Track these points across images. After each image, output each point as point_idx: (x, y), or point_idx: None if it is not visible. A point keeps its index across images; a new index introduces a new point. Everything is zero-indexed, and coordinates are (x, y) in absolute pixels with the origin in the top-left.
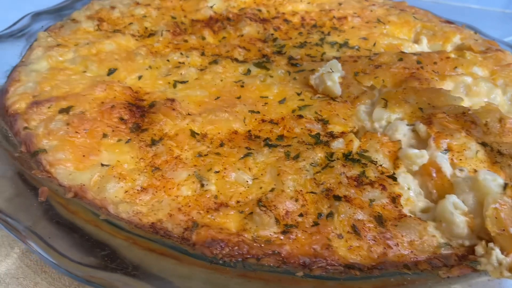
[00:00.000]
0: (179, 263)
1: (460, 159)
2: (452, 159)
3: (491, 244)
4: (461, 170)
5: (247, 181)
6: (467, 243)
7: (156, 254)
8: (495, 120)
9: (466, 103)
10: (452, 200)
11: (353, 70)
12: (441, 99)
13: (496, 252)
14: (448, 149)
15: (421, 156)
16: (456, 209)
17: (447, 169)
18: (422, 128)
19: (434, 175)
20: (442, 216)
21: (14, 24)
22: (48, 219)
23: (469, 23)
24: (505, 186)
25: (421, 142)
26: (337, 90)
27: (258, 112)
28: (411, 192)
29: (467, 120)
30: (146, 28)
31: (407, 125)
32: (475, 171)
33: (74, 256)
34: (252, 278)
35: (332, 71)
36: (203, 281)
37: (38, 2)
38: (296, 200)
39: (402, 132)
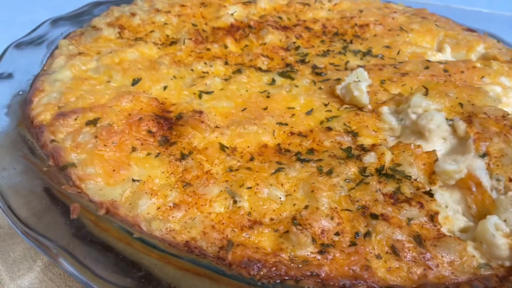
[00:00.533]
0: (216, 284)
1: (497, 165)
2: (488, 164)
3: None
4: (498, 180)
5: (280, 198)
6: (507, 264)
7: (192, 274)
8: None
9: None
10: (493, 221)
11: (379, 78)
12: (481, 98)
13: None
14: (487, 154)
15: (459, 171)
16: (498, 230)
17: (487, 183)
18: (461, 125)
19: (473, 189)
20: (482, 237)
21: (33, 31)
22: (81, 237)
23: (481, 28)
24: None
25: (458, 140)
26: (365, 99)
27: (286, 124)
28: (449, 211)
29: (507, 125)
30: (168, 36)
31: (446, 119)
32: (510, 180)
33: (110, 277)
34: None
35: (359, 80)
36: None
37: (50, 4)
38: (332, 218)
39: (437, 123)
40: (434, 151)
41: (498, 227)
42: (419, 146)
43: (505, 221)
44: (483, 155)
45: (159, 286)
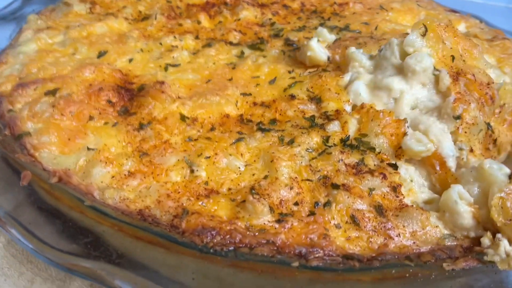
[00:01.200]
0: (168, 252)
1: (465, 132)
2: (457, 129)
3: (498, 235)
4: (461, 149)
5: (239, 168)
6: (472, 234)
7: (143, 242)
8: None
9: None
10: (457, 189)
11: (353, 45)
12: (474, 57)
13: (504, 243)
14: (460, 117)
15: (427, 151)
16: (461, 199)
17: (452, 163)
18: (446, 80)
19: (437, 168)
20: (446, 206)
21: (5, 7)
22: (30, 204)
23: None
24: (510, 176)
25: (436, 93)
26: (321, 56)
27: (250, 95)
28: (414, 184)
29: (488, 94)
30: (140, 11)
31: (434, 68)
32: (471, 150)
33: (55, 243)
34: (245, 268)
35: (316, 38)
36: (192, 271)
37: None
38: (291, 188)
39: (424, 66)
40: (404, 120)
41: (462, 196)
42: (389, 113)
43: (468, 192)
44: (457, 117)
45: (106, 252)
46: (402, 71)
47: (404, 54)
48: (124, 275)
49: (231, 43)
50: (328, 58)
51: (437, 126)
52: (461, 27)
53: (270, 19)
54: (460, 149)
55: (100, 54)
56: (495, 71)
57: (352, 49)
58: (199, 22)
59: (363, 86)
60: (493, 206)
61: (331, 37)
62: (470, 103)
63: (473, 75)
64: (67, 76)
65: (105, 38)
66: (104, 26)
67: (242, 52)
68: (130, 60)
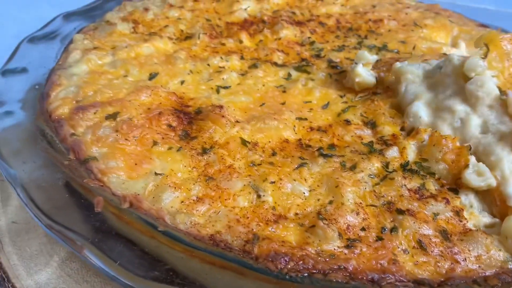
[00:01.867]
0: (243, 277)
1: None
2: None
3: None
4: None
5: (304, 193)
6: None
7: (217, 268)
8: None
9: None
10: None
11: None
12: None
13: None
14: None
15: (488, 186)
16: None
17: None
18: None
19: (498, 203)
20: (508, 232)
21: (46, 25)
22: (105, 230)
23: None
24: None
25: (507, 118)
26: (370, 80)
27: (306, 119)
28: (474, 209)
29: None
30: (182, 30)
31: (499, 90)
32: None
33: (138, 270)
34: None
35: (360, 63)
36: None
37: (55, 1)
38: (357, 214)
39: (487, 91)
40: (467, 147)
41: None
42: (453, 139)
43: None
44: None
45: (187, 279)
46: (463, 91)
47: (464, 75)
48: None
49: (276, 64)
50: (376, 79)
51: (509, 160)
52: None
53: (309, 37)
54: None
55: (152, 76)
56: None
57: (398, 64)
58: (241, 42)
59: (423, 107)
60: None
61: (372, 57)
62: None
63: None
64: (124, 100)
65: (153, 59)
66: (151, 46)
67: (289, 74)
68: (182, 82)
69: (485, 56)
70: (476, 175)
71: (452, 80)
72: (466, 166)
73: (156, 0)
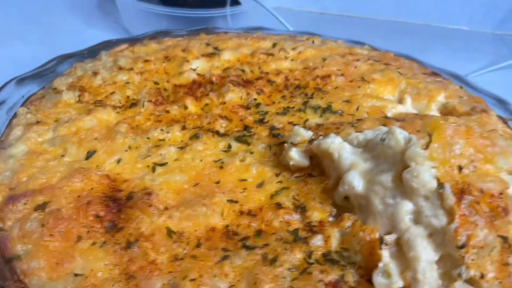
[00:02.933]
0: None
1: (472, 260)
2: (463, 257)
3: None
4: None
5: None
6: None
7: None
8: None
9: None
10: None
11: None
12: (488, 158)
13: None
14: (464, 245)
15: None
16: None
17: None
18: (450, 199)
19: None
20: None
21: None
22: None
23: (462, 46)
24: None
25: (439, 208)
26: (303, 162)
27: (237, 202)
28: None
29: (500, 206)
30: (128, 96)
31: (438, 184)
32: (482, 276)
33: None
34: None
35: (297, 142)
36: None
37: (28, 37)
38: None
39: (423, 182)
40: (378, 240)
41: None
42: (372, 230)
43: None
44: (461, 247)
45: None
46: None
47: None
48: None
49: (217, 133)
50: (311, 159)
51: (427, 261)
52: (441, 97)
53: (255, 99)
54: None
55: (89, 155)
56: None
57: (322, 143)
58: (185, 107)
59: (358, 177)
60: None
61: (307, 134)
62: (476, 225)
63: (481, 190)
64: (56, 187)
65: (94, 133)
66: (93, 119)
67: (230, 146)
68: (119, 161)
69: (426, 146)
70: (385, 276)
71: (391, 157)
72: (375, 266)
73: (107, 61)
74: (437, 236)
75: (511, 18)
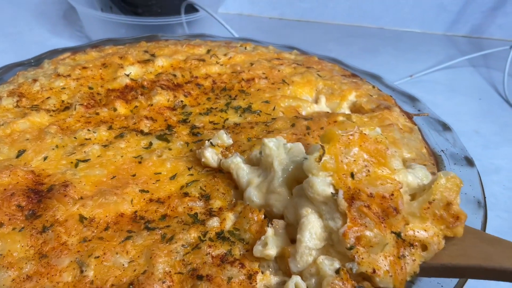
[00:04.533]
0: None
1: (362, 258)
2: (354, 256)
3: None
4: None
5: (123, 264)
6: None
7: None
8: (440, 205)
9: None
10: (295, 280)
11: (247, 136)
12: (381, 162)
13: None
14: (354, 245)
15: (268, 256)
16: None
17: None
18: (343, 205)
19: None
20: None
21: None
22: None
23: (413, 48)
24: (338, 270)
25: (336, 212)
26: (212, 163)
27: (148, 192)
28: (269, 271)
29: (391, 206)
30: (63, 101)
31: (333, 191)
32: (374, 271)
33: None
34: None
35: (217, 143)
36: None
37: None
38: (164, 282)
39: (317, 191)
40: (265, 221)
41: (298, 286)
42: (259, 213)
43: (307, 285)
44: (350, 248)
45: None
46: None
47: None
48: None
49: (142, 132)
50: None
51: (309, 243)
52: (352, 97)
53: (181, 101)
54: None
55: (19, 154)
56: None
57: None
58: (115, 109)
59: (254, 192)
60: None
61: (228, 141)
62: (366, 227)
63: (371, 194)
64: None
65: (26, 134)
66: (27, 122)
67: (150, 143)
68: (45, 158)
69: (319, 158)
70: (262, 245)
71: (271, 165)
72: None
73: (48, 69)
74: (334, 235)
75: (460, 20)
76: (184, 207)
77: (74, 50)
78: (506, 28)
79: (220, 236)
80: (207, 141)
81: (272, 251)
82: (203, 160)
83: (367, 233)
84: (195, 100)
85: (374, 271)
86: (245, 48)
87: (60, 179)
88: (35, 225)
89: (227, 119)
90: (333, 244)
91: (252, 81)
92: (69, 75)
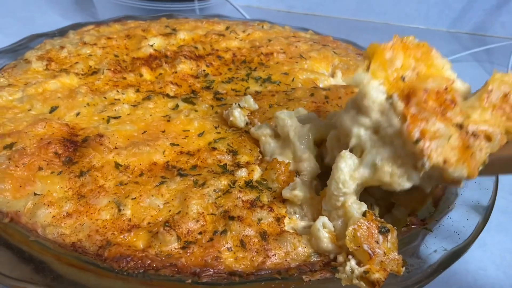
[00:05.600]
0: (94, 275)
1: (430, 150)
2: (422, 150)
3: (350, 256)
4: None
5: (159, 206)
6: (332, 255)
7: (76, 269)
8: (498, 96)
9: None
10: (322, 220)
11: (269, 103)
12: (429, 63)
13: (351, 262)
14: (419, 140)
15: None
16: (324, 228)
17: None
18: (399, 106)
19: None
20: (312, 232)
21: None
22: None
23: None
24: (364, 213)
25: (394, 117)
26: (239, 123)
27: (178, 145)
28: (297, 215)
29: (447, 99)
30: (90, 66)
31: (386, 97)
32: (445, 162)
33: (6, 271)
34: (150, 285)
35: (244, 106)
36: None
37: (6, 30)
38: (198, 221)
39: (372, 99)
40: (293, 172)
41: (325, 225)
42: (286, 164)
43: (334, 226)
44: (416, 141)
45: (45, 277)
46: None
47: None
48: None
49: (168, 96)
50: (247, 124)
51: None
52: None
53: (204, 70)
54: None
55: (52, 109)
56: None
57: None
58: (141, 75)
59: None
60: (347, 236)
61: (254, 106)
62: (428, 120)
63: (425, 89)
64: (22, 132)
65: (57, 93)
66: (57, 82)
67: (177, 105)
68: (78, 114)
69: (367, 69)
70: (290, 189)
71: (287, 135)
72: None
73: (74, 38)
74: (396, 140)
75: (463, 18)
76: (213, 159)
77: (96, 23)
78: (509, 26)
79: (249, 184)
80: (234, 103)
81: (300, 192)
82: (231, 118)
83: (430, 125)
84: (217, 70)
85: (445, 162)
86: (262, 26)
87: (93, 132)
88: (72, 170)
89: (248, 87)
90: (399, 155)
91: (271, 55)
92: (95, 44)
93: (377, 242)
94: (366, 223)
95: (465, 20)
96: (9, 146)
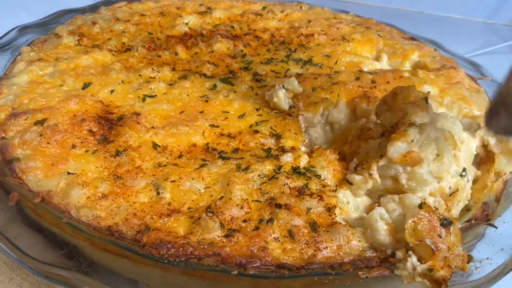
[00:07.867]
0: (131, 262)
1: None
2: None
3: (410, 252)
4: None
5: (200, 190)
6: (388, 249)
7: (111, 254)
8: None
9: None
10: (379, 211)
11: (312, 86)
12: None
13: (412, 259)
14: None
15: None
16: (382, 219)
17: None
18: None
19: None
20: (368, 223)
21: (1, 37)
22: (18, 221)
23: (451, 33)
24: (421, 205)
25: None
26: (283, 105)
27: (218, 126)
28: (350, 205)
29: None
30: (124, 43)
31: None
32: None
33: (35, 255)
34: (194, 275)
35: (287, 88)
36: (147, 278)
37: (33, 8)
38: (242, 208)
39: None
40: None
41: (382, 217)
42: (334, 152)
43: (391, 218)
44: None
45: (78, 262)
46: None
47: None
48: (92, 282)
49: (205, 75)
50: (290, 107)
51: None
52: (414, 56)
53: (241, 50)
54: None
55: (85, 86)
56: (432, 103)
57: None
58: (176, 54)
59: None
60: (406, 229)
61: (299, 89)
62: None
63: None
64: (54, 107)
65: (90, 70)
66: (90, 58)
67: (215, 85)
68: (112, 91)
69: None
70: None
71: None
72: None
73: (106, 14)
74: None
75: (502, 8)
76: (256, 143)
77: (129, 0)
78: None
79: (296, 170)
80: (277, 85)
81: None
82: (275, 100)
83: None
84: (255, 51)
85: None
86: (301, 7)
87: (129, 110)
88: (108, 149)
89: (288, 69)
90: None
91: (311, 37)
92: (128, 20)
93: (439, 236)
94: (427, 215)
95: (503, 11)
96: (40, 122)
